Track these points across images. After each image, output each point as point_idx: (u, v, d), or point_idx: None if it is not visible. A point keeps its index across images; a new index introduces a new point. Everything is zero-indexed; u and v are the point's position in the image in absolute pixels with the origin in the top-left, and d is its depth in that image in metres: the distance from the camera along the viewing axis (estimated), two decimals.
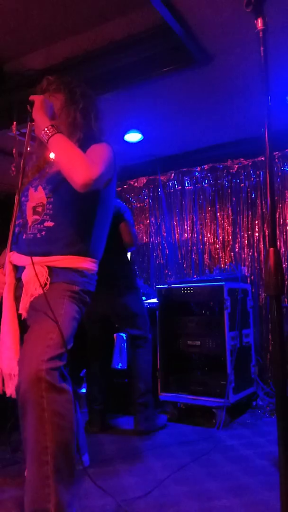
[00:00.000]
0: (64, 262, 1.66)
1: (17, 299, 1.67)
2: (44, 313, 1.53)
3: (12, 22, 2.53)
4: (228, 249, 4.25)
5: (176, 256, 4.53)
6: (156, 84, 2.95)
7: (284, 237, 3.96)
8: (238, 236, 4.19)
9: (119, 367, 3.46)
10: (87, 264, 1.72)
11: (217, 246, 4.30)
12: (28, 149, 1.79)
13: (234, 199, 4.25)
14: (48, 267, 1.64)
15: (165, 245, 4.60)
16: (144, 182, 4.77)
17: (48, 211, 1.70)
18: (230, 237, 4.25)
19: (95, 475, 2.15)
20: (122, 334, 3.44)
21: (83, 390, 3.46)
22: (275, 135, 1.25)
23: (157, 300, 3.50)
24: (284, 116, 3.45)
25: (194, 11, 2.31)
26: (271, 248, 1.13)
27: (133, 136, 3.83)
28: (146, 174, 4.69)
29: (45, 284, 1.61)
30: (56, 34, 2.66)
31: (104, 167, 1.62)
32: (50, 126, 1.62)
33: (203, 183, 4.44)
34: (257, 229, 4.12)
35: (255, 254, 4.10)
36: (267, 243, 3.97)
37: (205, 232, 4.40)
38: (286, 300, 3.57)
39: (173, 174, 4.60)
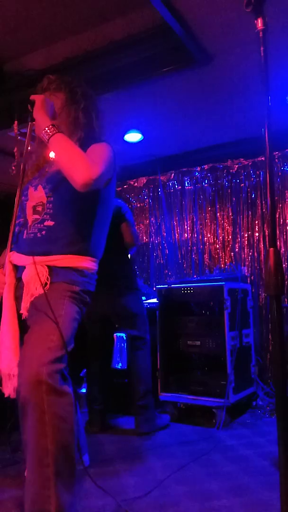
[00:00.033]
0: (64, 262, 1.66)
1: (17, 299, 1.67)
2: (45, 313, 1.53)
3: (12, 22, 2.53)
4: (228, 249, 4.25)
5: (176, 256, 4.53)
6: (156, 84, 2.95)
7: (284, 237, 3.96)
8: (238, 236, 4.19)
9: (119, 367, 3.46)
10: (87, 263, 1.72)
11: (217, 246, 4.30)
12: (29, 148, 1.79)
13: (234, 199, 4.25)
14: (48, 266, 1.64)
15: (165, 245, 4.60)
16: (144, 182, 4.77)
17: (48, 210, 1.70)
18: (230, 237, 4.25)
19: (95, 475, 2.15)
20: (121, 334, 3.44)
21: (83, 390, 3.46)
22: (275, 135, 1.25)
23: (157, 300, 3.50)
24: (284, 116, 3.45)
25: (194, 11, 2.31)
26: (271, 248, 1.13)
27: (133, 136, 3.83)
28: (146, 174, 4.69)
29: (45, 283, 1.61)
30: (56, 34, 2.66)
31: (104, 167, 1.62)
32: (50, 126, 1.62)
33: (203, 183, 4.44)
34: (257, 229, 4.12)
35: (255, 254, 4.10)
36: (267, 243, 3.97)
37: (205, 232, 4.40)
38: (286, 300, 3.57)
39: (173, 174, 4.60)
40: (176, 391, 3.26)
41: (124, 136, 3.80)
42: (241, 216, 4.19)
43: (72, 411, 1.46)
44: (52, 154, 1.80)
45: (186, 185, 4.55)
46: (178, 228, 4.55)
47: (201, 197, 4.45)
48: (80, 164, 1.55)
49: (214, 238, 4.34)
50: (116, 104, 3.19)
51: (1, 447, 2.53)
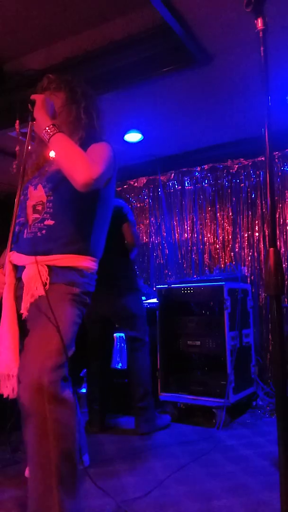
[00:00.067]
0: (64, 261, 1.65)
1: (17, 299, 1.67)
2: (45, 317, 1.54)
3: (12, 22, 2.53)
4: (228, 249, 4.25)
5: (176, 256, 4.53)
6: (156, 84, 2.94)
7: (284, 237, 3.96)
8: (238, 236, 4.19)
9: (119, 367, 3.46)
10: (87, 262, 1.71)
11: (217, 246, 4.30)
12: (29, 148, 1.79)
13: (234, 199, 4.25)
14: (48, 266, 1.64)
15: (165, 245, 4.60)
16: (144, 182, 4.77)
17: (48, 209, 1.70)
18: (230, 237, 4.25)
19: (95, 475, 2.15)
20: (121, 334, 3.44)
21: (83, 390, 3.46)
22: (275, 135, 1.25)
23: (157, 300, 3.50)
24: (284, 116, 3.45)
25: (194, 11, 2.31)
26: (271, 248, 1.13)
27: (133, 136, 3.83)
28: (146, 174, 4.69)
29: (45, 284, 1.61)
30: (56, 34, 2.66)
31: (104, 167, 1.62)
32: (51, 125, 1.62)
33: (203, 183, 4.44)
34: (257, 229, 4.12)
35: (255, 254, 4.10)
36: (267, 243, 3.97)
37: (205, 232, 4.40)
38: (286, 300, 3.57)
39: (173, 174, 4.60)
40: (176, 391, 3.26)
41: (124, 136, 3.80)
42: (241, 216, 4.19)
43: (73, 419, 1.47)
44: (52, 154, 1.80)
45: (186, 185, 4.55)
46: (178, 228, 4.55)
47: (201, 197, 4.45)
48: (80, 164, 1.55)
49: (214, 238, 4.34)
50: (116, 104, 3.19)
51: (1, 447, 2.53)
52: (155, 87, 3.00)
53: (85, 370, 3.50)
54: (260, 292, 4.03)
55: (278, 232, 3.95)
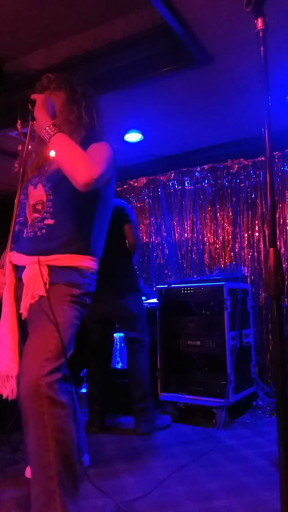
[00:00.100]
0: (64, 261, 1.65)
1: (17, 299, 1.67)
2: (44, 320, 1.54)
3: (12, 22, 2.53)
4: (228, 249, 4.25)
5: (176, 256, 4.53)
6: (156, 84, 2.94)
7: (284, 237, 3.96)
8: (238, 236, 4.19)
9: (119, 367, 3.46)
10: (87, 262, 1.71)
11: (217, 246, 4.30)
12: (30, 147, 1.79)
13: (234, 199, 4.25)
14: (48, 266, 1.64)
15: (165, 245, 4.60)
16: (144, 182, 4.77)
17: (48, 208, 1.70)
18: (230, 237, 4.25)
19: (95, 475, 2.16)
20: (121, 334, 3.44)
21: (83, 390, 3.46)
22: (275, 135, 1.25)
23: (157, 300, 3.50)
24: (284, 116, 3.45)
25: (194, 11, 2.31)
26: (271, 248, 1.13)
27: (133, 136, 3.83)
28: (146, 174, 4.69)
29: (45, 283, 1.61)
30: (56, 34, 2.66)
31: (105, 166, 1.62)
32: (51, 125, 1.62)
33: (203, 183, 4.44)
34: (257, 229, 4.12)
35: (255, 254, 4.10)
36: (267, 243, 3.97)
37: (205, 232, 4.40)
38: (286, 300, 3.57)
39: (173, 174, 4.60)
40: (176, 391, 3.26)
41: (124, 136, 3.80)
42: (241, 216, 4.19)
43: (70, 422, 1.50)
44: (52, 153, 1.80)
45: (186, 185, 4.55)
46: (178, 228, 4.55)
47: (201, 197, 4.44)
48: (81, 164, 1.55)
49: (214, 238, 4.34)
50: (116, 104, 3.19)
51: (1, 447, 2.53)
52: (155, 87, 3.00)
53: (85, 370, 3.50)
54: (260, 292, 4.03)
55: (278, 232, 3.95)
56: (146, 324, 3.05)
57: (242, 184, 4.22)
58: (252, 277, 4.06)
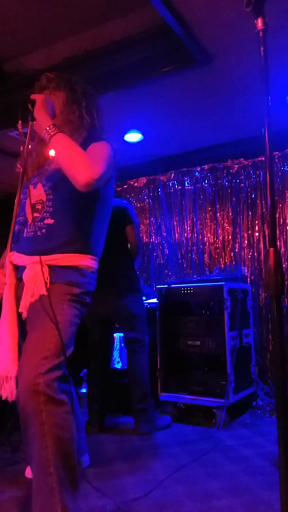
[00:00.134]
0: (64, 261, 1.65)
1: (18, 299, 1.67)
2: (44, 317, 1.54)
3: (12, 22, 2.53)
4: (228, 249, 4.25)
5: (176, 256, 4.53)
6: (156, 84, 2.94)
7: (284, 237, 3.96)
8: (238, 236, 4.19)
9: (119, 367, 3.46)
10: (87, 261, 1.71)
11: (217, 246, 4.30)
12: (30, 147, 1.79)
13: (234, 199, 4.25)
14: (48, 266, 1.64)
15: (165, 245, 4.60)
16: (144, 182, 4.77)
17: (48, 208, 1.70)
18: (230, 237, 4.25)
19: (95, 475, 2.16)
20: (121, 334, 3.44)
21: (83, 390, 3.46)
22: (275, 135, 1.25)
23: (157, 300, 3.50)
24: (284, 116, 3.45)
25: (194, 11, 2.31)
26: (271, 248, 1.13)
27: (133, 136, 3.83)
28: (146, 174, 4.69)
29: (45, 283, 1.61)
30: (56, 34, 2.66)
31: (105, 166, 1.62)
32: (52, 125, 1.62)
33: (203, 183, 4.44)
34: (257, 229, 4.12)
35: (255, 254, 4.10)
36: (267, 243, 3.97)
37: (205, 232, 4.40)
38: (286, 300, 3.57)
39: (173, 174, 4.60)
40: (176, 391, 3.26)
41: (124, 136, 3.80)
42: (241, 216, 4.19)
43: (70, 419, 1.49)
44: (52, 153, 1.80)
45: (186, 185, 4.55)
46: (178, 228, 4.55)
47: (201, 197, 4.44)
48: (81, 164, 1.55)
49: (214, 238, 4.34)
50: (116, 104, 3.19)
51: (1, 447, 2.53)
52: (155, 87, 3.00)
53: (85, 370, 3.50)
54: (260, 292, 4.03)
55: (278, 232, 3.95)
56: (146, 324, 3.05)
57: (242, 184, 4.22)
58: (252, 277, 4.06)
